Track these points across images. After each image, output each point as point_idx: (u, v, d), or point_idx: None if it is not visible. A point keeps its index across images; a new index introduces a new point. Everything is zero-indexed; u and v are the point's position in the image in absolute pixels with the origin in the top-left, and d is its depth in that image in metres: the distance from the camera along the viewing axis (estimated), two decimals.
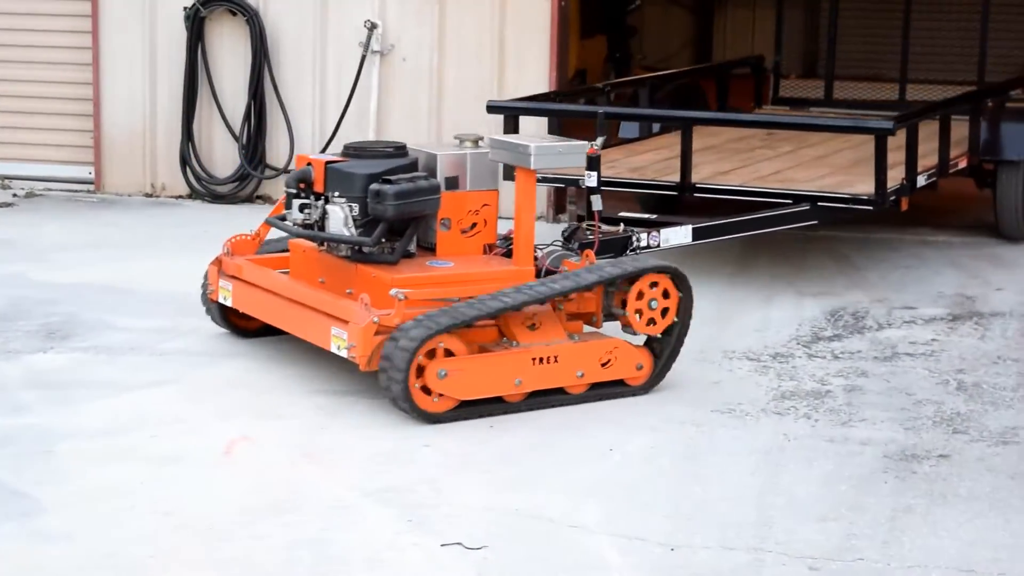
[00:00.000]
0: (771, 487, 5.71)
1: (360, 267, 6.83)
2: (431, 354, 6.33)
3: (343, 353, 6.50)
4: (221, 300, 7.43)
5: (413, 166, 6.97)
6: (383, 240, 6.79)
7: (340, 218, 6.79)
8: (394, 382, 6.24)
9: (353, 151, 7.03)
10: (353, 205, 6.79)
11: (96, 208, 11.21)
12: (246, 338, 7.55)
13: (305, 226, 6.93)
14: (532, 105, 9.58)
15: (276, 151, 11.35)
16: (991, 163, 10.24)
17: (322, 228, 6.89)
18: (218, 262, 7.45)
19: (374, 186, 6.71)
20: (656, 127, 10.70)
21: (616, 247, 7.93)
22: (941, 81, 12.44)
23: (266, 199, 11.41)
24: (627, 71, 17.16)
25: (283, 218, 7.09)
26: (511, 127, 9.09)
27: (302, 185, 6.95)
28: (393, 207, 6.65)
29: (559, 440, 6.21)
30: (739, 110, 11.91)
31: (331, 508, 5.46)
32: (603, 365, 6.72)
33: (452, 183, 7.01)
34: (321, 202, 6.89)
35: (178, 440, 6.12)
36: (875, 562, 5.07)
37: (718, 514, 5.43)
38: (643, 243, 8.17)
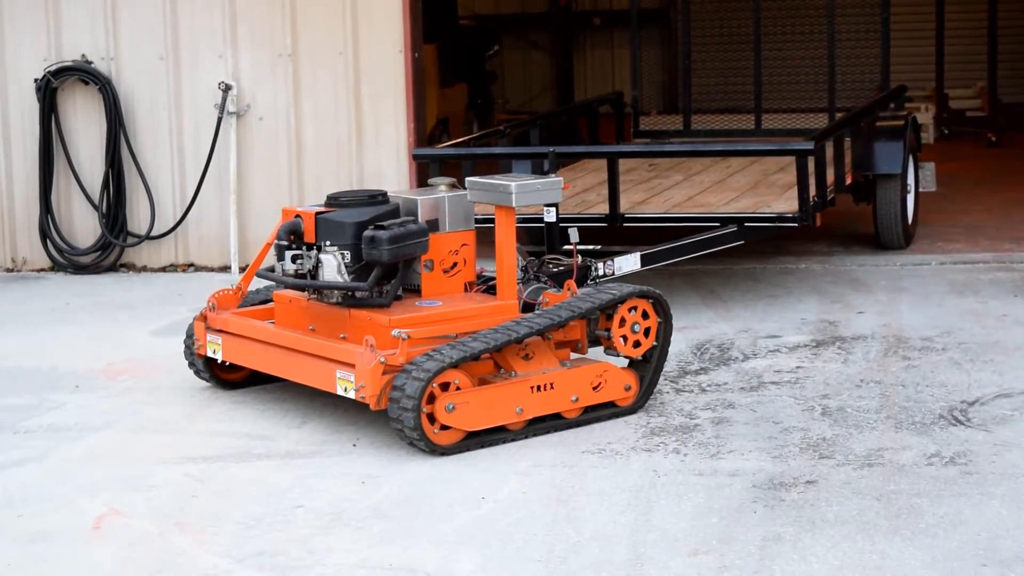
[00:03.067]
0: (642, 524, 5.75)
1: (353, 312, 7.03)
2: (444, 387, 6.56)
3: (350, 394, 6.67)
4: (210, 354, 7.56)
5: (396, 212, 7.19)
6: (377, 284, 7.02)
7: (333, 266, 7.02)
8: (406, 411, 6.43)
9: (337, 201, 7.22)
10: (345, 252, 7.00)
11: None
12: (230, 390, 7.71)
13: (298, 275, 7.10)
14: (465, 151, 9.79)
15: (137, 218, 11.26)
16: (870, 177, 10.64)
17: (314, 277, 7.09)
18: (203, 317, 7.59)
19: (368, 232, 6.92)
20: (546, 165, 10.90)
21: (578, 277, 8.12)
22: (793, 110, 12.71)
23: (130, 267, 11.30)
24: (490, 116, 17.28)
25: (270, 269, 7.29)
26: (425, 177, 9.24)
27: (292, 237, 7.15)
28: (388, 251, 6.87)
29: (430, 491, 6.21)
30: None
31: None
32: (594, 388, 7.01)
33: (432, 226, 7.20)
34: (313, 252, 7.08)
35: (45, 518, 6.03)
36: None
37: (591, 554, 5.46)
38: (600, 272, 8.48)
